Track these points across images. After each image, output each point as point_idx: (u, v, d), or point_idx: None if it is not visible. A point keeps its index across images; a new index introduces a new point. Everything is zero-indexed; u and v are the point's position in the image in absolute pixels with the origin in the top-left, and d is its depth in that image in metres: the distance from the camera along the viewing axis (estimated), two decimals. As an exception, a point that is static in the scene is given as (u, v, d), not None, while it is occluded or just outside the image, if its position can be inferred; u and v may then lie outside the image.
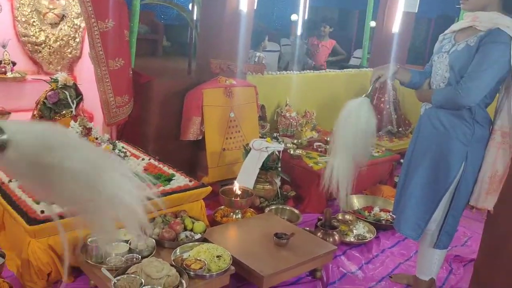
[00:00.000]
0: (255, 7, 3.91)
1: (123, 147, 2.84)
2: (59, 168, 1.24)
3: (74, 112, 2.76)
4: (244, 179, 3.24)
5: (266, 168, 3.34)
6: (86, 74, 3.73)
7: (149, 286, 1.93)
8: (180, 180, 2.80)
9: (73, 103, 2.76)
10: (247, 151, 3.39)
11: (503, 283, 2.06)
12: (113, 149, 2.71)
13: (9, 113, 3.52)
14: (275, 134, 4.13)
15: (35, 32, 3.94)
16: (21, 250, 2.21)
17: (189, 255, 2.23)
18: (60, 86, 2.73)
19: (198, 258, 2.16)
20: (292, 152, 3.80)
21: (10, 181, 2.55)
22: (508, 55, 2.00)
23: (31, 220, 2.17)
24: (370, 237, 3.09)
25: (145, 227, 1.49)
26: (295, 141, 4.13)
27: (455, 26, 2.25)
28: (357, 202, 3.65)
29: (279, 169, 3.47)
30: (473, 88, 2.04)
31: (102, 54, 3.18)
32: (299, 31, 7.01)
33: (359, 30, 9.00)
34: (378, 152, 4.10)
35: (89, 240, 2.21)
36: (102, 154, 1.52)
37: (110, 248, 2.18)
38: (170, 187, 2.68)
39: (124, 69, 3.33)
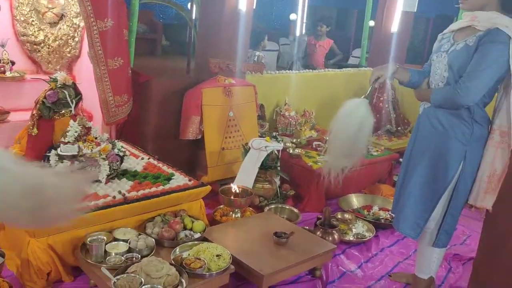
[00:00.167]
0: (254, 7, 3.92)
1: (122, 147, 2.84)
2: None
3: (73, 112, 2.75)
4: (244, 178, 3.24)
5: (266, 167, 3.34)
6: (85, 74, 3.73)
7: (149, 285, 1.93)
8: (179, 179, 2.80)
9: (72, 102, 2.74)
10: (246, 150, 3.39)
11: (502, 281, 2.07)
12: (112, 148, 2.71)
13: (8, 112, 3.51)
14: (274, 133, 4.13)
15: (34, 31, 3.93)
16: (21, 250, 2.21)
17: (189, 254, 2.23)
18: (59, 85, 2.72)
19: (198, 257, 2.17)
20: (291, 151, 3.81)
21: (9, 180, 2.55)
22: (506, 54, 2.01)
23: (31, 219, 2.17)
24: (369, 236, 3.10)
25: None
26: (294, 140, 4.13)
27: (454, 26, 2.25)
28: (356, 201, 3.66)
29: (279, 168, 3.47)
30: (472, 88, 2.04)
31: (101, 53, 3.17)
32: (297, 31, 7.02)
33: (358, 29, 9.00)
34: (377, 151, 4.11)
35: (88, 239, 2.21)
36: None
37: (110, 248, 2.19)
38: (170, 186, 2.68)
39: (123, 69, 3.32)
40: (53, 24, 3.97)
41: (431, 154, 2.25)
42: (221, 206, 3.08)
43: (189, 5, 5.94)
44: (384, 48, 5.51)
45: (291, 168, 3.67)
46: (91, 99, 3.41)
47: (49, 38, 3.98)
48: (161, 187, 2.65)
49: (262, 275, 2.20)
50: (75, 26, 3.97)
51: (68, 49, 4.02)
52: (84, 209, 1.82)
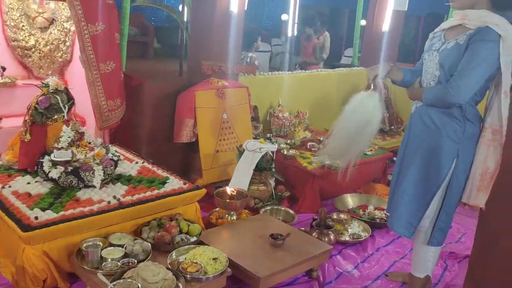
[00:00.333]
0: (245, 8, 3.91)
1: (116, 151, 2.83)
2: None
3: (66, 117, 2.74)
4: (239, 181, 3.24)
5: (260, 169, 3.34)
6: (77, 78, 3.72)
7: (146, 290, 1.92)
8: (174, 183, 2.79)
9: (65, 107, 2.73)
10: (240, 152, 3.39)
11: (497, 278, 2.08)
12: (106, 153, 2.70)
13: (0, 118, 3.49)
14: (268, 135, 4.13)
15: (25, 36, 3.91)
16: (16, 257, 2.20)
17: (185, 258, 2.23)
18: (51, 90, 2.71)
19: (194, 261, 2.16)
20: (285, 152, 3.81)
21: (3, 187, 2.53)
22: (497, 53, 2.02)
23: (25, 226, 2.16)
24: (365, 236, 3.11)
25: None
26: (288, 141, 4.13)
27: (444, 24, 2.26)
28: (351, 201, 3.67)
29: (273, 169, 3.47)
30: (463, 86, 2.05)
31: (93, 57, 3.16)
32: (289, 31, 7.02)
33: (349, 29, 9.03)
34: (371, 150, 4.12)
35: (84, 245, 2.20)
36: None
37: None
38: (165, 190, 2.68)
39: (115, 73, 3.31)
40: (43, 29, 3.95)
41: (424, 152, 2.26)
42: (217, 209, 3.08)
43: (180, 7, 5.93)
44: (376, 47, 5.53)
45: (286, 169, 3.67)
46: (83, 104, 3.39)
47: (40, 43, 3.96)
48: (156, 191, 2.65)
49: (259, 278, 2.20)
50: (66, 30, 3.95)
51: (59, 54, 4.00)
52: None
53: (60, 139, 2.62)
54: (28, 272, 2.15)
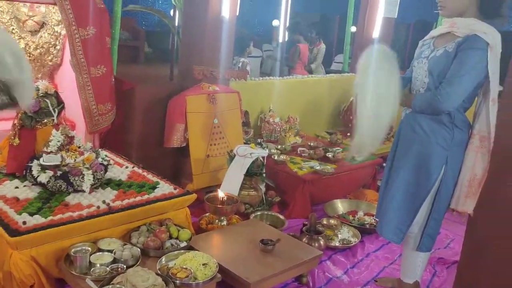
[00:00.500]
0: (237, 13, 3.93)
1: (106, 155, 2.81)
2: None
3: (55, 121, 2.72)
4: (229, 186, 3.24)
5: (251, 174, 3.34)
6: (67, 82, 3.69)
7: (135, 296, 1.91)
8: (164, 188, 2.78)
9: (54, 111, 2.72)
10: (231, 157, 3.39)
11: (486, 284, 2.10)
12: (96, 157, 2.68)
13: (-11, 122, 3.46)
14: (259, 140, 4.14)
15: (15, 39, 3.88)
16: (3, 262, 2.17)
17: (175, 264, 2.22)
18: (41, 94, 2.69)
19: (184, 267, 2.15)
20: (276, 157, 3.82)
21: (-10, 192, 2.51)
22: (485, 60, 2.05)
23: (13, 231, 2.14)
24: (355, 241, 3.12)
25: None
26: (279, 147, 4.14)
27: (434, 32, 2.29)
28: (341, 206, 3.68)
29: (264, 175, 3.48)
30: (452, 94, 2.08)
31: (83, 61, 3.15)
32: (280, 37, 7.04)
33: (340, 35, 9.09)
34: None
35: (72, 250, 2.18)
36: None
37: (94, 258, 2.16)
38: (155, 195, 2.67)
39: (106, 77, 3.30)
40: (34, 32, 3.92)
41: (413, 159, 2.28)
42: (207, 214, 3.07)
43: (171, 12, 5.93)
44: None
45: (276, 174, 3.67)
46: (73, 108, 3.37)
47: (30, 46, 3.92)
48: (146, 196, 2.63)
49: (248, 283, 2.20)
50: (56, 34, 3.92)
51: (49, 58, 3.97)
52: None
53: (50, 143, 2.60)
54: (15, 277, 2.13)
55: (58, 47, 3.95)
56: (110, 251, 2.24)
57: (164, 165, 3.57)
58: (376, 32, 5.50)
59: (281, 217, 3.29)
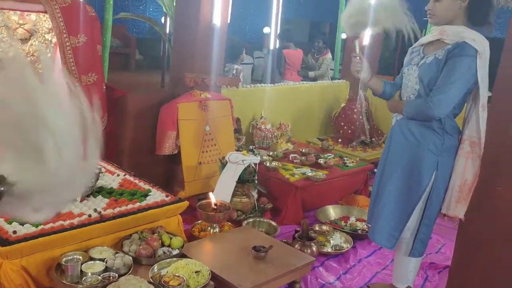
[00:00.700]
0: (228, 21, 3.94)
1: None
2: None
3: (46, 129, 2.71)
4: (221, 193, 3.23)
5: (243, 181, 3.34)
6: (58, 90, 3.68)
7: (127, 305, 1.90)
8: (156, 195, 2.77)
9: (45, 119, 2.71)
10: (223, 164, 3.39)
11: (476, 288, 2.12)
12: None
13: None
14: (251, 147, 4.14)
15: (5, 48, 3.86)
16: (-7, 272, 2.15)
17: (167, 272, 2.20)
18: (31, 102, 2.69)
19: (177, 274, 2.14)
20: (268, 164, 3.82)
21: (-20, 201, 2.48)
22: (474, 67, 2.08)
23: (3, 241, 2.11)
24: (347, 247, 3.12)
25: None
26: (270, 153, 4.15)
27: (423, 40, 2.32)
28: (333, 212, 3.69)
29: (256, 181, 3.48)
30: (443, 100, 2.10)
31: (74, 69, 3.14)
32: (271, 44, 7.09)
33: (330, 42, 9.14)
34: (352, 162, 4.17)
35: (63, 259, 2.16)
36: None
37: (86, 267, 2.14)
38: (146, 203, 2.65)
39: (97, 84, 3.29)
40: (24, 40, 3.90)
41: (404, 165, 2.29)
42: (199, 221, 3.06)
43: (162, 20, 5.95)
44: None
45: (268, 181, 3.68)
46: (64, 116, 3.36)
47: (20, 54, 3.91)
48: (138, 204, 2.62)
49: (241, 290, 2.19)
50: (47, 42, 3.91)
51: (40, 66, 3.95)
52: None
53: (40, 151, 2.58)
54: (5, 287, 2.10)
55: (48, 55, 3.93)
56: (101, 259, 2.22)
57: (156, 172, 3.55)
58: (366, 39, 5.54)
59: (274, 223, 3.29)
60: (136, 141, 3.59)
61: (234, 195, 3.30)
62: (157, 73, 5.31)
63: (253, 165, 3.42)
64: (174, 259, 2.31)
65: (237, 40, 5.92)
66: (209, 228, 2.97)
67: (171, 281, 2.09)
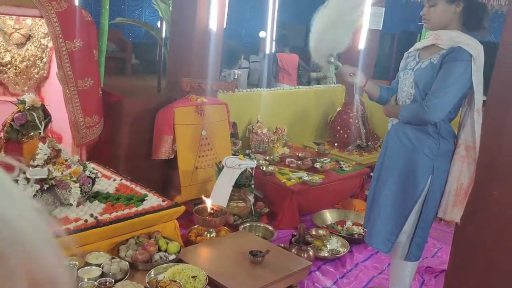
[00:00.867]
0: (224, 26, 3.95)
1: (93, 168, 2.79)
2: None
3: (42, 134, 2.71)
4: (218, 197, 3.23)
5: (239, 185, 3.34)
6: (54, 95, 3.67)
7: (124, 311, 1.89)
8: (153, 200, 2.77)
9: (41, 124, 2.71)
10: (220, 168, 3.39)
11: (473, 292, 2.12)
12: (84, 170, 2.66)
13: (-27, 135, 3.42)
14: (247, 151, 4.14)
15: (0, 52, 3.85)
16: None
17: (164, 277, 2.20)
18: (27, 107, 2.68)
19: (173, 280, 2.14)
20: (264, 168, 3.82)
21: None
22: (469, 72, 2.09)
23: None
24: (344, 252, 3.13)
25: None
26: (267, 158, 4.15)
27: (418, 45, 2.34)
28: (330, 216, 3.69)
29: (252, 186, 3.48)
30: (438, 105, 2.11)
31: (70, 74, 3.13)
32: (267, 48, 7.10)
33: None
34: (348, 166, 4.17)
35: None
36: None
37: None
38: (143, 208, 2.65)
39: (93, 89, 3.29)
40: (20, 45, 3.90)
41: (400, 169, 2.30)
42: (196, 226, 3.06)
43: (158, 24, 5.96)
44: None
45: (265, 185, 3.68)
46: (60, 121, 3.35)
47: (16, 59, 3.90)
48: (134, 209, 2.61)
49: (238, 295, 2.19)
50: (43, 46, 3.91)
51: (36, 70, 3.95)
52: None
53: (36, 156, 2.58)
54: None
55: (44, 60, 3.93)
56: (98, 265, 2.21)
57: (152, 177, 3.55)
58: (362, 44, 5.57)
59: (270, 228, 3.29)
60: (133, 145, 3.58)
61: (230, 199, 3.30)
62: (153, 77, 5.31)
63: (249, 169, 3.42)
64: (171, 264, 2.31)
65: (235, 45, 5.94)
66: (205, 232, 2.96)
67: (168, 286, 2.08)
